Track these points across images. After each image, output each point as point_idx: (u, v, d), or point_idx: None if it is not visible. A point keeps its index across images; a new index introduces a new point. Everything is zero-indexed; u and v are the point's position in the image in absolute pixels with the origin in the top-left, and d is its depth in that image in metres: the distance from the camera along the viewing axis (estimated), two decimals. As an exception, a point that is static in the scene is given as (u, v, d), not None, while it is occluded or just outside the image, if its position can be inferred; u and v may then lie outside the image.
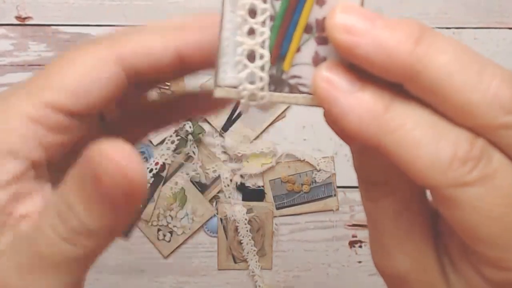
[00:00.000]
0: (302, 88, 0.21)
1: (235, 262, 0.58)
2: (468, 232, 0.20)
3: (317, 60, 0.21)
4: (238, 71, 0.21)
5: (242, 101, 0.21)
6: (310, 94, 0.21)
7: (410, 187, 0.23)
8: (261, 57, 0.20)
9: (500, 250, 0.19)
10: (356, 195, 0.58)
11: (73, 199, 0.20)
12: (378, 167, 0.23)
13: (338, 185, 0.58)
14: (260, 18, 0.20)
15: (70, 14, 0.58)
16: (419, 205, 0.23)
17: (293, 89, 0.21)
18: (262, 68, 0.21)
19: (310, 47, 0.21)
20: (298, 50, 0.21)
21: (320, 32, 0.20)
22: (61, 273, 0.20)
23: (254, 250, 0.57)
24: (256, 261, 0.57)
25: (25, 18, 0.58)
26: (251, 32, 0.20)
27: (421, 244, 0.22)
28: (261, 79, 0.21)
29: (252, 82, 0.21)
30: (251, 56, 0.21)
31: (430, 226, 0.23)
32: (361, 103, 0.20)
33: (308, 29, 0.20)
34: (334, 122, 0.21)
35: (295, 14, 0.20)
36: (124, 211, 0.20)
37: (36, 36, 0.58)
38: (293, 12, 0.20)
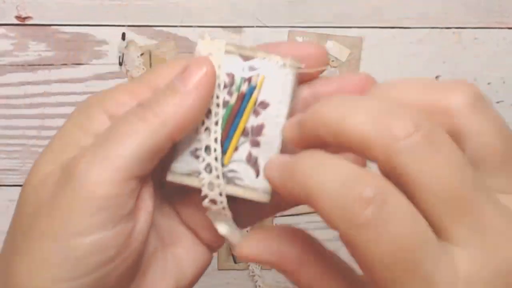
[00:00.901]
0: (237, 181, 0.26)
1: (235, 262, 0.58)
2: (369, 275, 0.20)
3: (250, 159, 0.26)
4: (197, 163, 0.26)
5: (203, 188, 0.26)
6: (248, 187, 0.26)
7: (320, 274, 0.24)
8: (215, 150, 0.26)
9: None
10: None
11: (157, 91, 0.26)
12: None
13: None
14: (214, 119, 0.26)
15: (70, 14, 0.58)
16: (340, 284, 0.24)
17: (230, 181, 0.26)
18: (216, 159, 0.26)
19: (245, 148, 0.26)
20: (236, 149, 0.26)
21: (254, 136, 0.26)
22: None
23: (254, 250, 0.57)
24: (256, 261, 0.57)
25: (25, 18, 0.58)
26: (206, 129, 0.26)
27: None
28: (216, 168, 0.26)
29: (208, 172, 0.26)
30: (207, 150, 0.26)
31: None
32: (274, 163, 0.24)
33: (245, 133, 0.26)
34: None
35: (235, 121, 0.26)
36: (196, 92, 0.25)
37: (36, 36, 0.58)
38: (234, 119, 0.26)
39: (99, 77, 0.58)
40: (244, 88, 0.26)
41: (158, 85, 0.26)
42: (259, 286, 0.57)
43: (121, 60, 0.58)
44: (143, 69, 0.57)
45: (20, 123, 0.58)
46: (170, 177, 0.27)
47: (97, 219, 0.24)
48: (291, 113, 0.26)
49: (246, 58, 0.26)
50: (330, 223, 0.21)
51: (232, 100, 0.26)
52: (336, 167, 0.21)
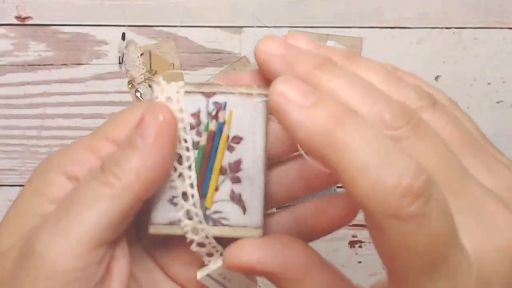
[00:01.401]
0: (223, 221, 0.25)
1: (235, 262, 0.58)
2: (389, 261, 0.20)
3: (234, 197, 0.25)
4: (176, 211, 0.25)
5: (187, 235, 0.25)
6: (236, 225, 0.25)
7: (322, 285, 0.24)
8: (192, 196, 0.25)
9: (409, 283, 0.20)
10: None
11: (116, 150, 0.24)
12: None
13: (338, 185, 0.58)
14: (186, 164, 0.25)
15: (70, 14, 0.58)
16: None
17: (216, 222, 0.25)
18: (194, 205, 0.25)
19: (226, 186, 0.25)
20: (216, 189, 0.25)
21: (234, 173, 0.25)
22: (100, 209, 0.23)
23: (254, 250, 0.57)
24: (256, 261, 0.57)
25: (25, 18, 0.58)
26: (180, 175, 0.25)
27: None
28: (197, 214, 0.25)
29: (189, 219, 0.25)
30: (184, 196, 0.25)
31: None
32: (312, 118, 0.20)
33: (223, 171, 0.25)
34: (287, 132, 0.21)
35: (210, 161, 0.25)
36: (156, 145, 0.23)
37: (36, 36, 0.58)
38: (208, 159, 0.25)
39: (99, 77, 0.58)
40: (213, 126, 0.25)
41: (117, 137, 0.25)
42: (259, 286, 0.57)
43: (121, 60, 0.58)
44: (143, 69, 0.57)
45: (20, 123, 0.58)
46: (152, 230, 0.26)
47: None
48: (267, 142, 0.25)
49: (208, 95, 0.25)
50: (362, 204, 0.19)
51: (203, 140, 0.25)
52: (384, 144, 0.20)
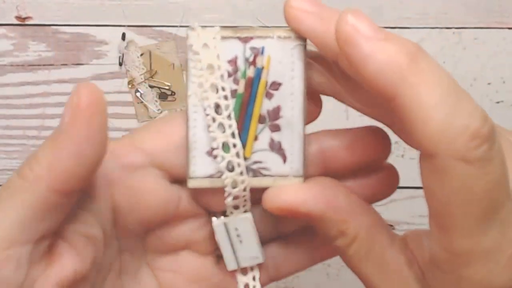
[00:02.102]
0: (264, 172, 0.24)
1: (235, 262, 0.57)
2: (443, 205, 0.20)
3: (273, 145, 0.24)
4: (216, 163, 0.24)
5: (226, 189, 0.24)
6: (277, 175, 0.24)
7: (367, 227, 0.23)
8: (234, 146, 0.24)
9: (462, 230, 0.20)
10: (356, 195, 0.58)
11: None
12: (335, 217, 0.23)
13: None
14: (225, 113, 0.23)
15: (70, 14, 0.58)
16: (382, 238, 0.24)
17: (256, 173, 0.24)
18: (237, 155, 0.24)
19: (265, 135, 0.24)
20: (255, 138, 0.24)
21: (273, 120, 0.24)
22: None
23: (254, 250, 0.57)
24: (256, 261, 0.57)
25: (25, 18, 0.58)
26: (219, 126, 0.24)
27: (398, 271, 0.23)
28: (239, 165, 0.24)
29: (230, 170, 0.24)
30: (224, 147, 0.24)
31: (402, 253, 0.23)
32: (384, 51, 0.20)
33: (261, 119, 0.24)
34: (353, 66, 0.20)
35: (249, 109, 0.24)
36: (68, 135, 0.21)
37: (36, 36, 0.58)
38: (247, 107, 0.24)
39: (99, 77, 0.58)
40: (251, 72, 0.24)
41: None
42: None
43: (121, 60, 0.58)
44: (143, 69, 0.57)
45: (20, 123, 0.58)
46: (191, 184, 0.24)
47: None
48: (307, 88, 0.24)
49: (245, 40, 0.24)
50: (429, 144, 0.19)
51: (240, 88, 0.24)
52: (458, 88, 0.19)
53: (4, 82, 0.58)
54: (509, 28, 0.58)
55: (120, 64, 0.58)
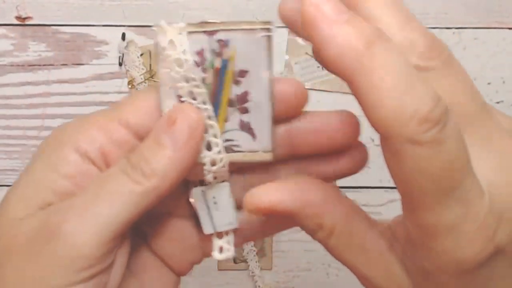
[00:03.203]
0: (235, 148, 0.27)
1: (235, 263, 0.58)
2: (404, 185, 0.21)
3: (243, 126, 0.26)
4: None
5: (205, 167, 0.26)
6: (247, 151, 0.27)
7: (343, 217, 0.25)
8: (212, 127, 0.26)
9: (424, 206, 0.21)
10: (356, 196, 0.58)
11: (143, 145, 0.25)
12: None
13: (338, 185, 0.58)
14: (200, 99, 0.26)
15: (70, 14, 0.58)
16: (360, 224, 0.25)
17: (228, 150, 0.27)
18: (215, 136, 0.26)
19: (235, 117, 0.26)
20: (226, 120, 0.26)
21: (241, 104, 0.26)
22: (125, 203, 0.24)
23: (254, 251, 0.57)
24: (256, 262, 0.57)
25: (25, 18, 0.58)
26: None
27: (380, 255, 0.24)
28: (216, 144, 0.26)
29: (208, 149, 0.26)
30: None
31: (382, 237, 0.24)
32: (343, 35, 0.20)
33: (231, 103, 0.26)
34: (315, 48, 0.21)
35: (217, 96, 0.26)
36: (186, 149, 0.24)
37: (36, 36, 0.58)
38: (216, 93, 0.26)
39: (99, 77, 0.58)
40: (217, 63, 0.26)
41: (130, 122, 0.25)
42: (259, 286, 0.57)
43: (121, 60, 0.58)
44: (143, 69, 0.57)
45: (20, 123, 0.58)
46: None
47: (78, 276, 0.23)
48: (272, 72, 0.26)
49: (211, 33, 0.25)
50: (382, 127, 0.20)
51: (208, 78, 0.26)
52: (413, 73, 0.20)
53: (4, 82, 0.58)
54: (509, 28, 0.58)
55: (120, 64, 0.58)
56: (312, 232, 0.25)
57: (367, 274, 0.25)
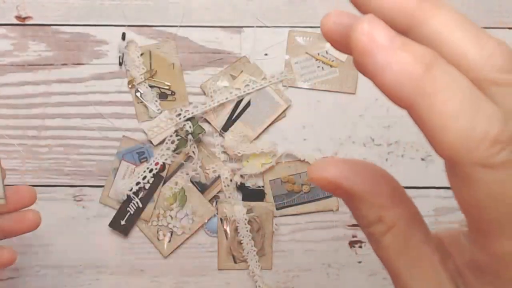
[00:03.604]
0: None
1: (235, 262, 0.58)
2: (475, 211, 0.20)
3: None
4: None
5: None
6: None
7: (405, 219, 0.23)
8: None
9: (499, 233, 0.20)
10: (356, 195, 0.58)
11: None
12: (366, 208, 0.23)
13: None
14: None
15: (70, 14, 0.58)
16: (418, 233, 0.23)
17: None
18: None
19: None
20: None
21: None
22: None
23: (254, 250, 0.57)
24: (256, 261, 0.57)
25: (25, 18, 0.58)
26: None
27: (432, 269, 0.23)
28: None
29: None
30: None
31: (436, 251, 0.23)
32: (400, 61, 0.19)
33: None
34: (369, 76, 0.20)
35: None
36: None
37: (36, 36, 0.58)
38: None
39: (99, 77, 0.58)
40: None
41: None
42: (259, 286, 0.57)
43: (121, 60, 0.58)
44: (143, 69, 0.57)
45: (20, 123, 0.58)
46: None
47: None
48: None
49: None
50: (450, 153, 0.19)
51: None
52: (476, 95, 0.19)
53: (4, 82, 0.58)
54: (509, 28, 0.58)
55: (120, 64, 0.58)
56: (368, 224, 0.23)
57: (413, 287, 0.23)
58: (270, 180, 0.58)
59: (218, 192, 0.58)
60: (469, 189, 0.19)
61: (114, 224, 0.57)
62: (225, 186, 0.57)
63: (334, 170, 0.23)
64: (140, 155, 0.57)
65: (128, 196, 0.56)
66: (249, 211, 0.57)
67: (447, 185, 0.23)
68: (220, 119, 0.57)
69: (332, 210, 0.58)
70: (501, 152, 0.19)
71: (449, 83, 0.19)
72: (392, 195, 0.23)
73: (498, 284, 0.21)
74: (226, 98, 0.57)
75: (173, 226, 0.57)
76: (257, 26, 0.58)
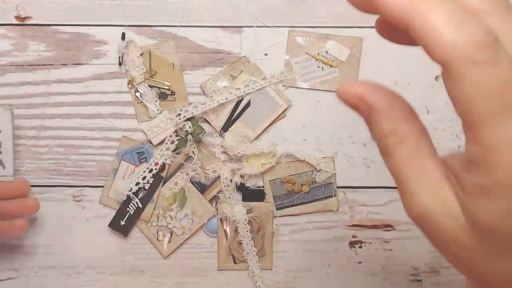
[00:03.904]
0: None
1: (235, 263, 0.58)
2: (465, 106, 0.24)
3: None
4: None
5: None
6: None
7: (415, 134, 0.27)
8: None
9: (485, 123, 0.24)
10: (356, 196, 0.58)
11: None
12: (386, 120, 0.27)
13: (338, 185, 0.58)
14: None
15: (70, 14, 0.58)
16: (425, 148, 0.27)
17: None
18: None
19: None
20: None
21: None
22: None
23: (254, 251, 0.57)
24: (256, 262, 0.57)
25: (24, 18, 0.58)
26: None
27: (436, 179, 0.27)
28: None
29: None
30: None
31: (440, 166, 0.27)
32: None
33: None
34: (371, 5, 0.25)
35: None
36: None
37: (36, 36, 0.58)
38: None
39: (99, 77, 0.58)
40: None
41: None
42: (259, 286, 0.57)
43: (120, 60, 0.58)
44: (143, 69, 0.57)
45: (20, 123, 0.58)
46: None
47: None
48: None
49: None
50: (441, 54, 0.24)
51: None
52: (462, 12, 0.24)
53: (4, 82, 0.58)
54: (509, 28, 0.58)
55: (120, 64, 0.58)
56: (383, 137, 0.28)
57: (419, 195, 0.27)
58: (270, 180, 0.58)
59: (218, 193, 0.58)
60: (459, 85, 0.24)
61: (113, 225, 0.57)
62: (225, 186, 0.57)
63: (360, 87, 0.28)
64: (140, 155, 0.57)
65: (128, 196, 0.56)
66: (249, 211, 0.57)
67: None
68: (220, 119, 0.57)
69: (332, 211, 0.58)
70: (485, 51, 0.23)
71: (440, 3, 0.24)
72: (405, 111, 0.27)
73: (488, 171, 0.24)
74: (226, 98, 0.57)
75: (173, 227, 0.57)
76: (257, 26, 0.58)
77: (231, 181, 0.57)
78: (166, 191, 0.57)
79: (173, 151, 0.57)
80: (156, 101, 0.57)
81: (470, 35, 0.23)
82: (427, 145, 0.27)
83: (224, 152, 0.58)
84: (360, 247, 0.58)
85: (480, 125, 0.24)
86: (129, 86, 0.57)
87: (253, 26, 0.58)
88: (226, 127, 0.57)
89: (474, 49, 0.23)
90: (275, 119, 0.58)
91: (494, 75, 0.23)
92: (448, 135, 0.58)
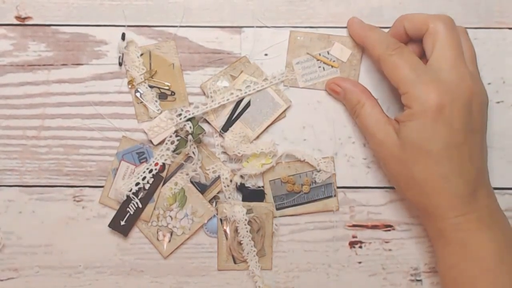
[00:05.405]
0: None
1: (235, 263, 0.58)
2: (394, 81, 0.50)
3: None
4: None
5: None
6: None
7: (370, 101, 0.54)
8: None
9: (406, 82, 0.49)
10: (356, 196, 0.58)
11: None
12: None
13: (338, 185, 0.58)
14: None
15: (70, 14, 0.58)
16: (377, 109, 0.53)
17: None
18: None
19: None
20: None
21: None
22: None
23: (254, 251, 0.57)
24: (256, 262, 0.57)
25: (24, 18, 0.58)
26: None
27: (383, 124, 0.52)
28: None
29: None
30: None
31: (385, 115, 0.53)
32: (371, 38, 0.55)
33: None
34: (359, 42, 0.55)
35: None
36: None
37: (36, 36, 0.58)
38: None
39: (99, 77, 0.58)
40: None
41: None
42: (259, 286, 0.57)
43: (121, 60, 0.58)
44: (143, 69, 0.57)
45: (20, 123, 0.58)
46: None
47: None
48: None
49: None
50: (374, 50, 0.52)
51: None
52: (387, 36, 0.53)
53: (4, 82, 0.58)
54: (509, 28, 0.58)
55: (120, 64, 0.58)
56: (353, 106, 0.54)
57: (376, 133, 0.52)
58: (270, 181, 0.58)
59: (218, 193, 0.58)
60: (387, 68, 0.51)
61: (113, 225, 0.57)
62: (225, 186, 0.57)
63: (337, 80, 0.56)
64: (140, 155, 0.57)
65: (128, 196, 0.56)
66: (249, 211, 0.57)
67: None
68: (220, 119, 0.57)
69: (332, 211, 0.58)
70: (395, 49, 0.50)
71: (404, 61, 0.50)
72: (363, 90, 0.55)
73: (412, 106, 0.49)
74: (227, 100, 0.57)
75: (173, 227, 0.57)
76: (257, 26, 0.58)
77: (231, 181, 0.57)
78: (166, 191, 0.57)
79: (173, 151, 0.57)
80: (156, 101, 0.57)
81: (388, 42, 0.51)
82: (377, 108, 0.53)
83: (224, 152, 0.58)
84: (360, 247, 0.58)
85: (402, 87, 0.49)
86: (129, 86, 0.57)
87: (253, 26, 0.58)
88: (226, 127, 0.57)
89: (389, 47, 0.51)
90: (275, 119, 0.58)
91: (401, 58, 0.50)
92: (448, 135, 0.58)
